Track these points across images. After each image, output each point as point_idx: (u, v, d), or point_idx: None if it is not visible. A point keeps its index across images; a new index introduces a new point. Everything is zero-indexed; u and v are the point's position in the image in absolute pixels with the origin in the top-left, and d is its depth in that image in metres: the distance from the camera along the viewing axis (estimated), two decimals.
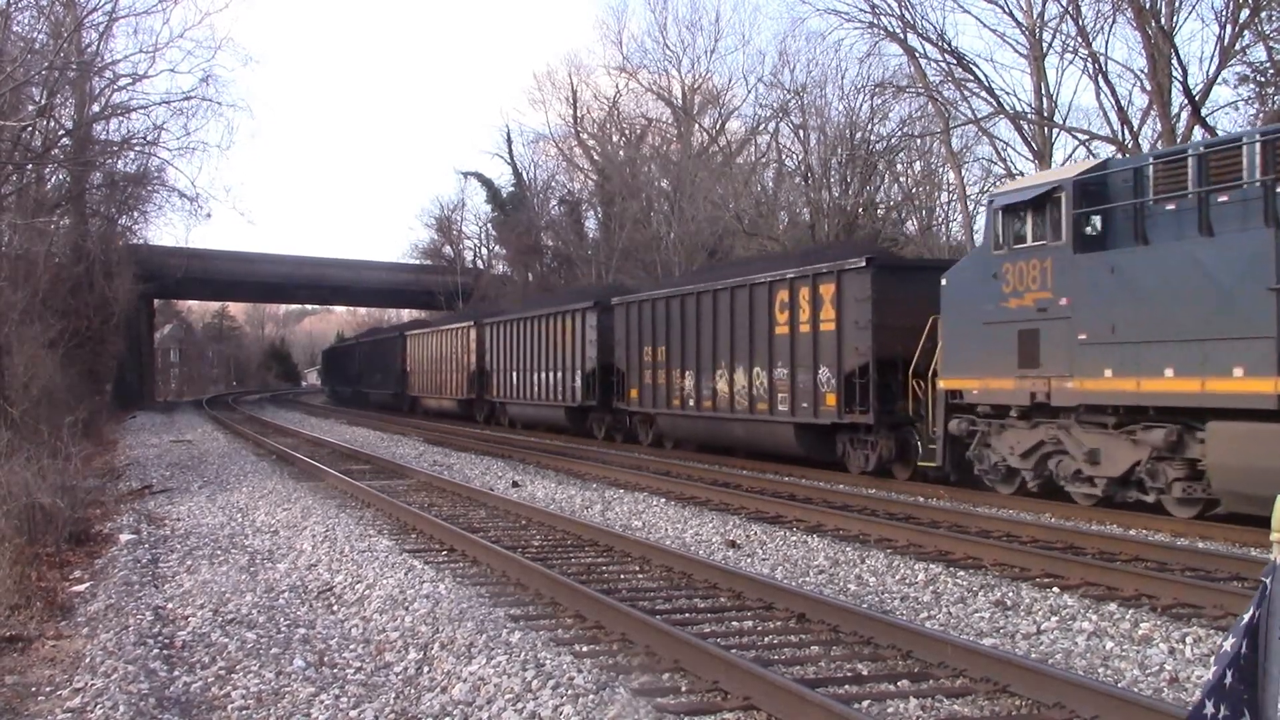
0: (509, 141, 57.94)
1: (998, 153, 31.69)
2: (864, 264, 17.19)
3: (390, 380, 48.80)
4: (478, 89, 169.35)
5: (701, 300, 22.04)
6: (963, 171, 33.14)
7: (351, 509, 14.87)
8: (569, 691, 6.18)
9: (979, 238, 22.99)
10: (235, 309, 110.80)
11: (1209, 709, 3.22)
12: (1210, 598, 8.51)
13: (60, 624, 8.48)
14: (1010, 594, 8.96)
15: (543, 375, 30.23)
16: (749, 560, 10.75)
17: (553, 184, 56.36)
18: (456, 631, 7.59)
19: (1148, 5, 23.31)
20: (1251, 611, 3.26)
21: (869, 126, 34.74)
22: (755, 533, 12.36)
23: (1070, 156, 28.14)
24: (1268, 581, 3.26)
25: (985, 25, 30.73)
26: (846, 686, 6.41)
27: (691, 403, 22.30)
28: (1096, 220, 13.39)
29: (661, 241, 42.01)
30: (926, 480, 16.34)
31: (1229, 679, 3.22)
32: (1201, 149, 12.43)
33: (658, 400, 23.75)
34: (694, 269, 34.92)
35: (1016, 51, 30.04)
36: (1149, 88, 24.12)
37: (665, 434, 24.25)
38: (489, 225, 61.94)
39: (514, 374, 32.60)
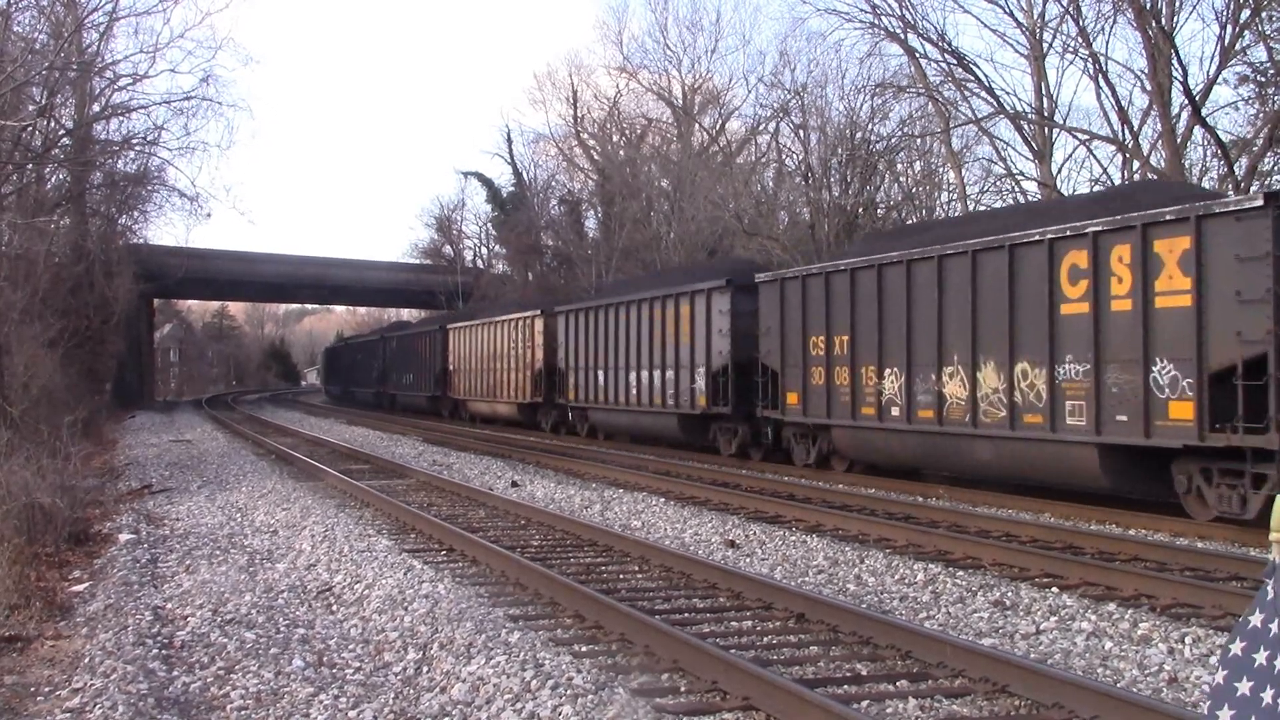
0: (509, 141, 58.00)
1: (998, 153, 31.69)
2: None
3: (425, 381, 42.72)
4: (478, 89, 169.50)
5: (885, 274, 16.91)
6: (963, 171, 33.14)
7: (351, 509, 14.87)
8: (568, 691, 6.18)
9: None
10: (235, 309, 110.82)
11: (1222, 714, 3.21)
12: (1209, 598, 8.52)
13: (59, 624, 8.48)
14: (1009, 594, 8.96)
15: (644, 375, 24.23)
16: (748, 560, 10.75)
17: (553, 184, 56.38)
18: (455, 631, 7.59)
19: (1148, 5, 23.30)
20: (1257, 613, 3.24)
21: (869, 126, 34.73)
22: (754, 533, 12.36)
23: (1070, 157, 28.07)
24: (1269, 584, 3.25)
25: (985, 25, 30.78)
26: (845, 686, 6.41)
27: (896, 411, 16.57)
28: None
29: (661, 241, 42.01)
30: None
31: (1234, 680, 3.21)
32: None
33: (834, 408, 18.00)
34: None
35: (1017, 51, 30.09)
36: (1149, 88, 24.11)
37: (845, 453, 18.60)
38: (489, 225, 61.96)
39: (599, 373, 26.64)
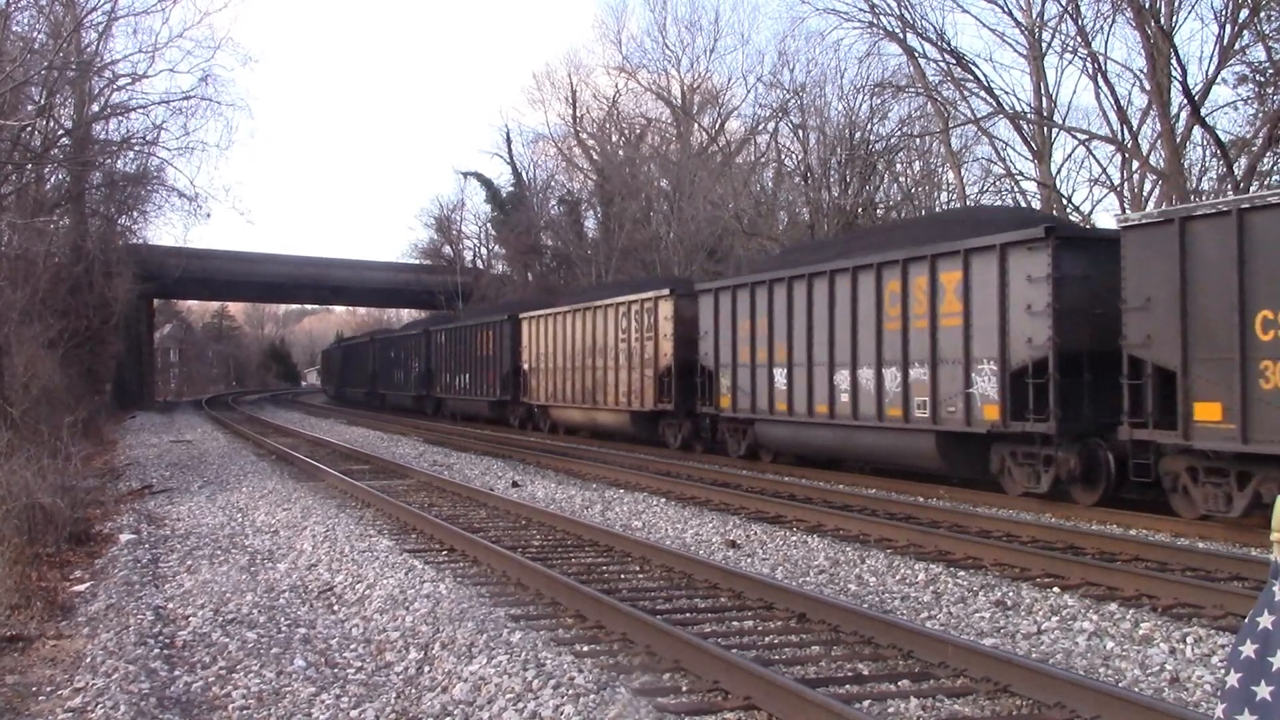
0: (508, 141, 57.99)
1: (997, 153, 31.73)
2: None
3: (488, 383, 35.15)
4: (477, 89, 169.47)
5: None
6: (962, 171, 33.17)
7: (352, 509, 14.87)
8: (570, 691, 6.18)
9: None
10: (235, 309, 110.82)
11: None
12: (1211, 598, 8.52)
13: (61, 624, 8.48)
14: (1011, 594, 8.97)
15: (864, 372, 17.33)
16: (749, 560, 10.75)
17: (552, 184, 56.41)
18: (457, 631, 7.59)
19: (1147, 5, 23.31)
20: (1266, 615, 3.23)
21: (868, 126, 34.76)
22: (755, 533, 12.37)
23: (1069, 157, 28.10)
24: (1275, 585, 3.24)
25: (985, 25, 30.99)
26: (847, 686, 6.42)
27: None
28: None
29: (661, 241, 42.02)
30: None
31: (1250, 684, 3.20)
32: None
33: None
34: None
35: (1016, 51, 30.14)
36: (1148, 87, 24.12)
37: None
38: (489, 225, 61.94)
39: (778, 373, 19.47)
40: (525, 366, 31.76)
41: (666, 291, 23.79)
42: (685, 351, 22.79)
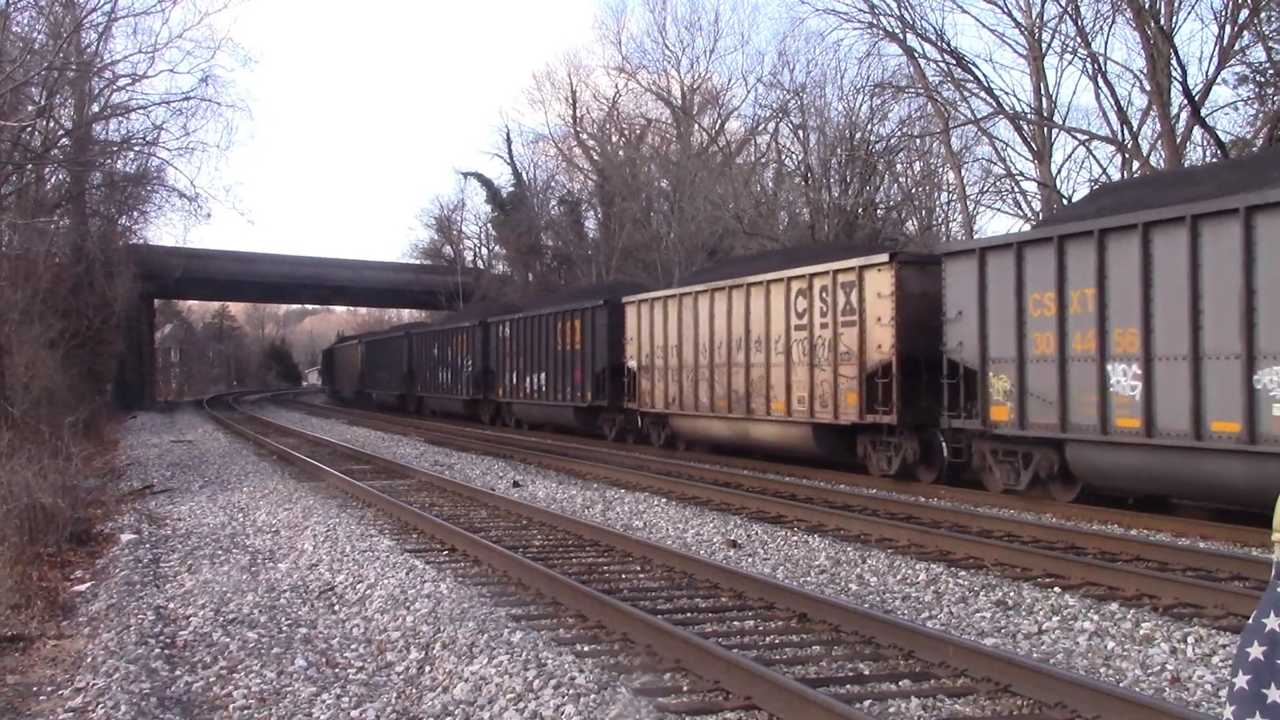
0: (508, 141, 57.99)
1: (997, 153, 31.72)
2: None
3: (566, 384, 28.57)
4: (477, 89, 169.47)
5: None
6: (962, 171, 33.16)
7: (353, 509, 14.87)
8: (570, 691, 6.18)
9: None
10: (235, 309, 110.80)
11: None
12: (1211, 597, 8.52)
13: (62, 624, 8.48)
14: (1012, 594, 8.97)
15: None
16: (750, 560, 10.75)
17: (552, 184, 56.42)
18: (458, 631, 7.60)
19: (1147, 5, 23.31)
20: (1272, 616, 3.22)
21: (868, 127, 34.78)
22: (756, 533, 12.37)
23: (1069, 157, 28.14)
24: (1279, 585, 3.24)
25: (984, 25, 31.02)
26: (848, 686, 6.41)
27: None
28: None
29: (661, 241, 42.02)
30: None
31: (1260, 686, 3.20)
32: None
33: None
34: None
35: (1016, 51, 30.14)
36: (1148, 88, 24.12)
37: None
38: (489, 225, 61.96)
39: (1052, 372, 14.02)
40: (631, 364, 24.73)
41: (884, 259, 17.13)
42: (915, 340, 16.38)
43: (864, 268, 17.35)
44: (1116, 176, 26.77)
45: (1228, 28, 23.31)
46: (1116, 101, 25.90)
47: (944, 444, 16.06)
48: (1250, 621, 3.28)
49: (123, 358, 45.58)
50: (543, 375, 30.00)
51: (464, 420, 37.45)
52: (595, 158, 52.79)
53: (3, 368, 19.63)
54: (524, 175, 57.83)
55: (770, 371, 19.50)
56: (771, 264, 21.00)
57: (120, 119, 31.40)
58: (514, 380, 32.27)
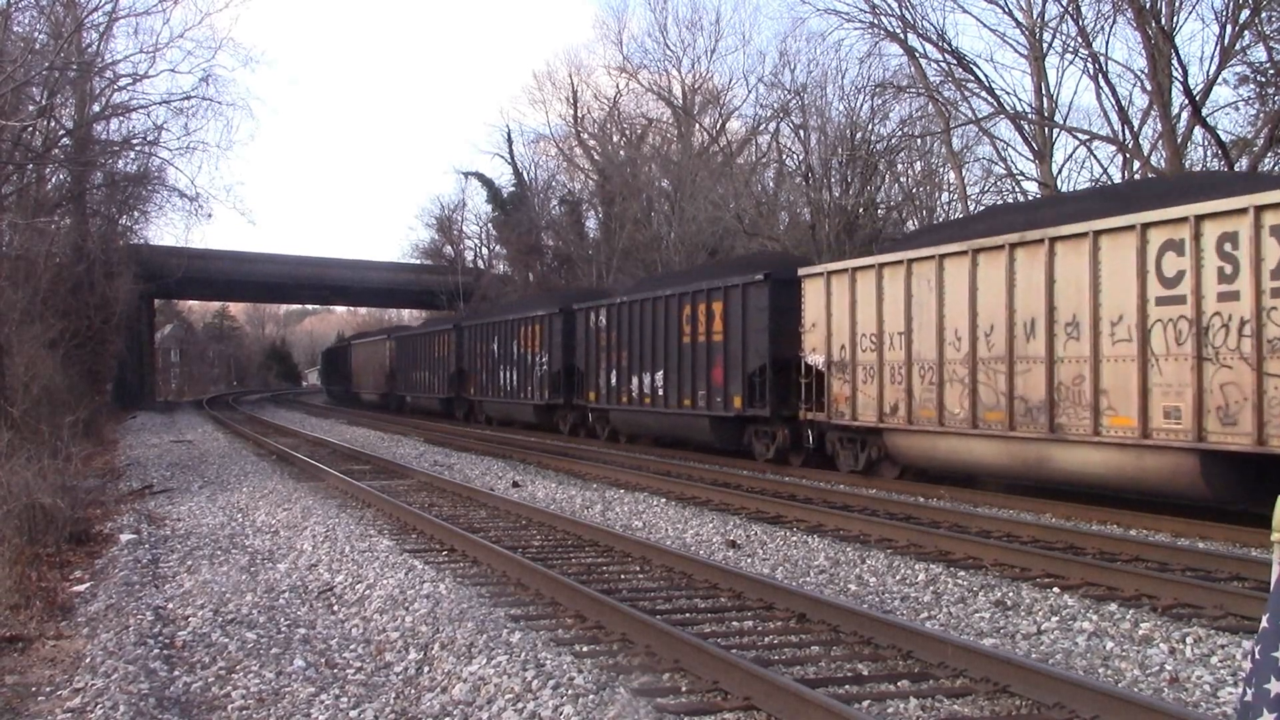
0: (509, 141, 57.97)
1: (998, 153, 31.71)
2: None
3: (700, 386, 22.17)
4: (478, 89, 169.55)
5: None
6: (963, 171, 33.13)
7: (352, 509, 14.87)
8: (569, 691, 6.18)
9: None
10: (235, 309, 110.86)
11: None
12: (1211, 598, 8.51)
13: (60, 624, 8.48)
14: (1010, 594, 8.96)
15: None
16: (749, 560, 10.75)
17: (553, 184, 56.41)
18: (457, 631, 7.59)
19: (1148, 5, 23.30)
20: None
21: (869, 126, 34.73)
22: (755, 533, 12.36)
23: (1070, 157, 28.14)
24: None
25: (985, 25, 30.80)
26: (847, 686, 6.41)
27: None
28: None
29: (662, 242, 42.01)
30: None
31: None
32: None
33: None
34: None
35: (1016, 51, 30.13)
36: (1149, 88, 24.11)
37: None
38: (489, 225, 61.96)
39: None
40: (815, 360, 18.79)
41: None
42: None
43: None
44: (1118, 176, 26.79)
45: (1228, 27, 23.31)
46: (1117, 101, 25.91)
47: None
48: (1267, 626, 3.26)
49: (123, 358, 45.62)
50: (659, 374, 23.78)
51: (537, 431, 31.20)
52: (596, 157, 52.78)
53: (3, 368, 19.63)
54: (525, 175, 57.87)
55: (1102, 368, 13.29)
56: (1108, 204, 14.10)
57: (121, 119, 31.48)
58: (612, 381, 26.09)
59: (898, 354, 16.69)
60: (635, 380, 24.76)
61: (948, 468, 16.28)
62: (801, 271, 19.17)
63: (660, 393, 23.60)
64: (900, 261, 16.62)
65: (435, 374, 39.87)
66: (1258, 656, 3.24)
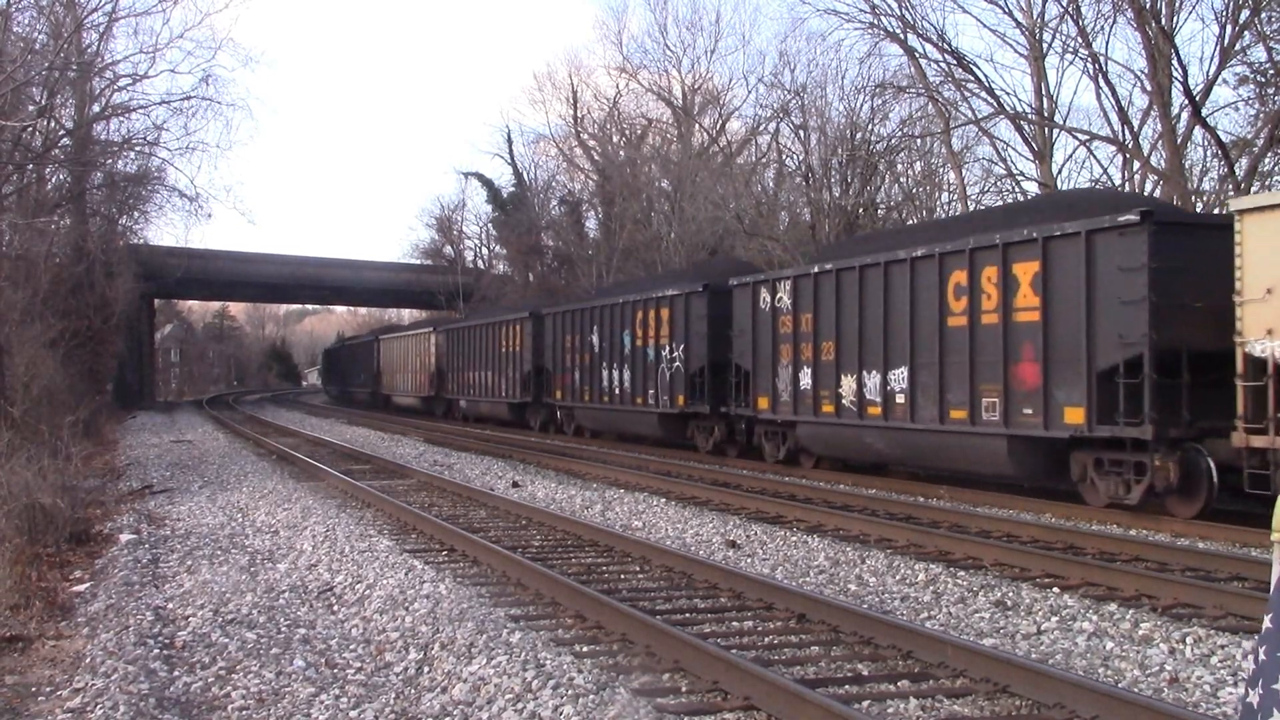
0: (509, 141, 57.94)
1: (998, 153, 31.66)
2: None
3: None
4: (478, 89, 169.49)
5: None
6: (963, 172, 33.11)
7: (352, 509, 14.87)
8: (569, 691, 6.18)
9: None
10: (235, 309, 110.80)
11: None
12: (1211, 598, 8.51)
13: (60, 624, 8.48)
14: (1010, 594, 8.96)
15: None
16: (749, 560, 10.75)
17: (553, 184, 56.37)
18: (457, 632, 7.59)
19: (1148, 5, 23.29)
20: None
21: (869, 127, 34.71)
22: (755, 533, 12.36)
23: (1070, 157, 28.14)
24: None
25: (985, 25, 30.80)
26: (846, 687, 6.41)
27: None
28: None
29: (662, 242, 42.00)
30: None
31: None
32: None
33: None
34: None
35: (1016, 52, 30.06)
36: (1149, 88, 24.09)
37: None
38: (489, 225, 61.95)
39: None
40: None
41: None
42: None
43: None
44: (1118, 176, 26.78)
45: (1228, 28, 23.29)
46: (1117, 101, 25.88)
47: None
48: (1263, 659, 3.25)
49: (123, 358, 45.61)
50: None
51: (663, 448, 24.19)
52: (596, 158, 52.75)
53: (3, 368, 19.63)
54: (525, 175, 57.85)
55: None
56: None
57: (121, 119, 31.47)
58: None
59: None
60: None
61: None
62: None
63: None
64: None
65: (502, 374, 32.78)
66: (1263, 657, 3.23)
